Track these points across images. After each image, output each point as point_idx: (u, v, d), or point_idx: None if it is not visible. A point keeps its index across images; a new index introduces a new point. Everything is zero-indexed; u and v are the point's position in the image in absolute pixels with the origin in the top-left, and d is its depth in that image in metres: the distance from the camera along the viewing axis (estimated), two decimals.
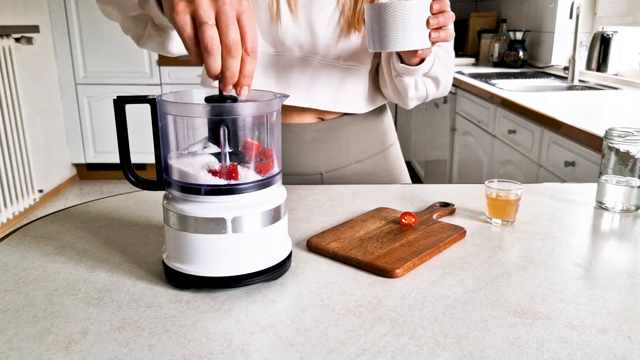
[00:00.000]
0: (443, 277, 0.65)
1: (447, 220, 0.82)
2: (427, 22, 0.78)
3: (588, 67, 2.73)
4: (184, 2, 0.56)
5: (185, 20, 0.56)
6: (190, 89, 0.66)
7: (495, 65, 3.41)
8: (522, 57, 3.26)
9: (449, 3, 0.80)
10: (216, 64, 0.56)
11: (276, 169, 0.63)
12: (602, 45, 2.63)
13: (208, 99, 0.59)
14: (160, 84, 3.88)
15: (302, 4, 0.93)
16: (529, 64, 3.30)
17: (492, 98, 2.29)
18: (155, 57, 3.81)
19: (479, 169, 2.51)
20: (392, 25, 0.78)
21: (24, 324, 0.55)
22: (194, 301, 0.59)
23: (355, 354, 0.50)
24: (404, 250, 0.70)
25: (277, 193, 0.63)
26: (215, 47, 0.55)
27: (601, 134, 1.44)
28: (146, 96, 0.60)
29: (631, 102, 2.07)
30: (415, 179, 3.64)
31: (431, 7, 0.78)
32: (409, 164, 3.60)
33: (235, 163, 0.60)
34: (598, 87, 2.50)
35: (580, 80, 2.67)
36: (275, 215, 0.62)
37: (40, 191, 3.48)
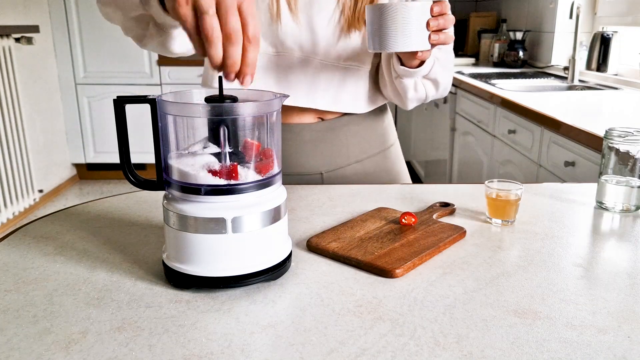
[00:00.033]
0: (443, 277, 0.65)
1: (447, 220, 0.82)
2: (427, 24, 0.79)
3: (588, 67, 2.73)
4: None
5: (188, 12, 0.56)
6: (190, 89, 0.66)
7: (495, 65, 3.41)
8: (522, 57, 3.26)
9: (449, 6, 0.81)
10: (217, 53, 0.56)
11: (276, 169, 0.63)
12: (602, 45, 2.63)
13: (208, 99, 0.59)
14: (160, 84, 3.88)
15: (302, 4, 0.93)
16: (529, 64, 3.30)
17: (492, 98, 2.29)
18: (155, 57, 3.81)
19: (479, 169, 2.51)
20: (393, 26, 0.78)
21: (24, 324, 0.55)
22: (194, 301, 0.59)
23: (355, 354, 0.50)
24: (404, 250, 0.70)
25: (277, 193, 0.63)
26: (215, 36, 0.56)
27: (601, 134, 1.44)
28: (146, 96, 0.60)
29: (631, 102, 2.07)
30: (415, 179, 3.64)
31: (432, 9, 0.79)
32: (409, 164, 3.60)
33: (235, 163, 0.60)
34: (598, 87, 2.50)
35: (580, 80, 2.67)
36: (275, 215, 0.62)
37: (40, 191, 3.48)
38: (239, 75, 0.58)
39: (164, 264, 0.63)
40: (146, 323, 0.55)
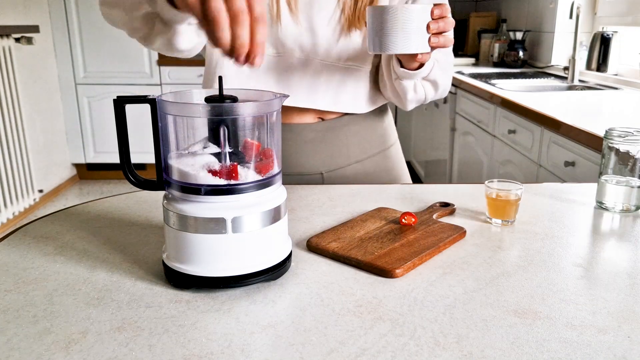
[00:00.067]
0: (443, 277, 0.65)
1: (447, 220, 0.82)
2: (428, 27, 0.79)
3: (588, 67, 2.73)
4: None
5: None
6: (190, 89, 0.66)
7: (495, 65, 3.41)
8: (522, 57, 3.26)
9: (449, 9, 0.81)
10: (225, 35, 0.56)
11: (276, 169, 0.63)
12: (602, 45, 2.63)
13: (208, 99, 0.59)
14: (160, 84, 3.88)
15: (302, 4, 0.93)
16: (529, 64, 3.30)
17: (492, 98, 2.29)
18: (155, 57, 3.81)
19: (479, 169, 2.51)
20: (393, 28, 0.79)
21: (24, 324, 0.55)
22: (194, 301, 0.59)
23: (355, 354, 0.50)
24: (404, 250, 0.70)
25: (277, 193, 0.63)
26: (221, 18, 0.55)
27: (601, 134, 1.44)
28: (146, 96, 0.60)
29: (631, 102, 2.07)
30: (415, 179, 3.64)
31: (432, 12, 0.79)
32: (409, 164, 3.60)
33: (235, 163, 0.60)
34: (598, 87, 2.50)
35: (580, 80, 2.67)
36: (275, 215, 0.62)
37: (40, 191, 3.48)
38: (249, 55, 0.58)
39: (164, 264, 0.63)
40: (146, 323, 0.55)
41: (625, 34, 2.60)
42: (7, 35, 3.07)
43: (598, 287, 0.63)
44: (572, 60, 2.66)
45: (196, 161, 0.59)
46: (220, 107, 0.58)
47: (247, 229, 0.59)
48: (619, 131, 0.86)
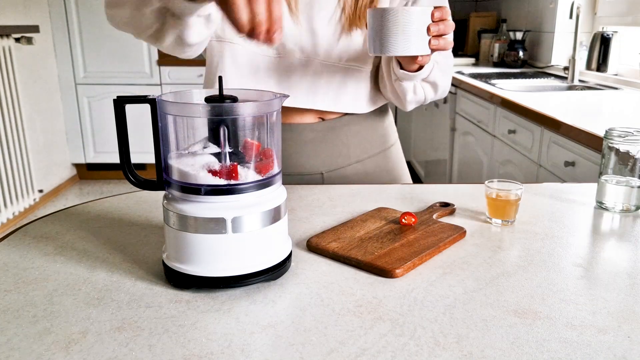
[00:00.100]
0: (443, 277, 0.65)
1: (447, 220, 0.82)
2: (428, 29, 0.79)
3: (588, 67, 2.73)
4: None
5: None
6: (190, 89, 0.66)
7: (495, 65, 3.41)
8: (522, 57, 3.26)
9: (450, 12, 0.81)
10: (243, 14, 0.57)
11: (276, 169, 0.63)
12: (602, 45, 2.63)
13: (208, 99, 0.59)
14: (160, 84, 3.88)
15: (302, 4, 0.93)
16: (529, 64, 3.30)
17: (492, 98, 2.29)
18: (155, 57, 3.81)
19: (479, 169, 2.51)
20: (393, 29, 0.79)
21: (24, 324, 0.55)
22: (194, 301, 0.59)
23: (355, 354, 0.50)
24: (404, 250, 0.70)
25: (277, 193, 0.63)
26: None
27: (601, 134, 1.44)
28: (146, 96, 0.60)
29: (631, 102, 2.07)
30: (415, 179, 3.64)
31: (432, 14, 0.79)
32: (409, 164, 3.60)
33: (235, 163, 0.60)
34: (598, 87, 2.50)
35: (580, 80, 2.67)
36: (275, 215, 0.62)
37: (40, 191, 3.48)
38: (268, 33, 0.59)
39: (164, 264, 0.63)
40: (146, 323, 0.55)
41: (625, 34, 2.60)
42: (7, 35, 3.07)
43: (598, 287, 0.63)
44: (572, 60, 2.66)
45: (196, 161, 0.59)
46: (220, 107, 0.58)
47: (247, 229, 0.59)
48: (619, 131, 0.86)
